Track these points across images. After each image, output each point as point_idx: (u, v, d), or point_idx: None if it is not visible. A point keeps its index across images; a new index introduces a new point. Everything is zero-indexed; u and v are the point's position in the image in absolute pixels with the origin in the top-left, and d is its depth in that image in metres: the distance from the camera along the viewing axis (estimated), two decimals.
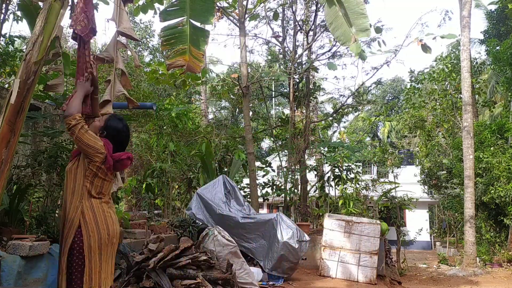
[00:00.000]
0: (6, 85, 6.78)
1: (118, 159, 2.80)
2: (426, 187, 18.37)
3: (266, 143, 23.09)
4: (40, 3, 3.46)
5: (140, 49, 21.85)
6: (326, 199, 11.94)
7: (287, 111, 17.57)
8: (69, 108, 2.77)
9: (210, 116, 21.27)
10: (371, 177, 15.59)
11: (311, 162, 14.89)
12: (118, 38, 3.47)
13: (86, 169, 2.74)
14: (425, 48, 9.32)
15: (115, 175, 3.01)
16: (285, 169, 12.63)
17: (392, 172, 14.38)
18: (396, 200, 12.15)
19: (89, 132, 2.72)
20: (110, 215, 2.78)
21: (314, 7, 13.91)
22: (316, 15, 13.84)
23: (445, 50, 23.24)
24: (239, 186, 11.10)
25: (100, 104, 3.30)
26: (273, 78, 12.42)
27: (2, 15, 5.34)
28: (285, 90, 17.64)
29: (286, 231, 6.60)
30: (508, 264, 11.59)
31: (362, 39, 11.69)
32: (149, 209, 11.27)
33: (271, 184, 12.36)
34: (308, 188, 13.34)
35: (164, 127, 9.92)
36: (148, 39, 22.28)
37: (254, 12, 12.10)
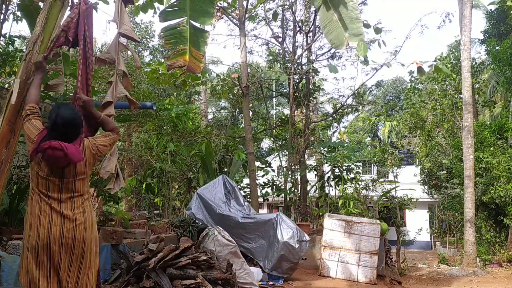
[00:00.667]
0: (6, 85, 6.79)
1: (41, 148, 2.47)
2: (426, 187, 18.37)
3: (266, 143, 23.10)
4: (40, 3, 3.47)
5: (140, 49, 21.86)
6: (326, 199, 11.94)
7: (287, 111, 17.58)
8: (28, 94, 2.79)
9: (210, 116, 21.27)
10: (371, 177, 15.58)
11: (311, 162, 14.90)
12: (119, 40, 3.48)
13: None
14: (421, 71, 9.65)
15: (60, 173, 2.56)
16: (285, 169, 12.63)
17: (392, 172, 14.38)
18: (396, 200, 12.14)
19: (31, 121, 2.62)
20: (48, 217, 2.48)
21: (313, 8, 13.92)
22: (315, 16, 13.84)
23: (445, 50, 23.28)
24: (239, 186, 11.10)
25: (102, 106, 3.32)
26: (273, 78, 12.43)
27: (2, 15, 5.35)
28: (285, 90, 17.64)
29: (286, 231, 6.60)
30: (508, 264, 11.59)
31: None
32: (149, 209, 11.29)
33: (271, 184, 12.36)
34: (308, 188, 13.35)
35: (164, 127, 9.93)
36: (148, 40, 22.29)
37: (254, 13, 12.12)
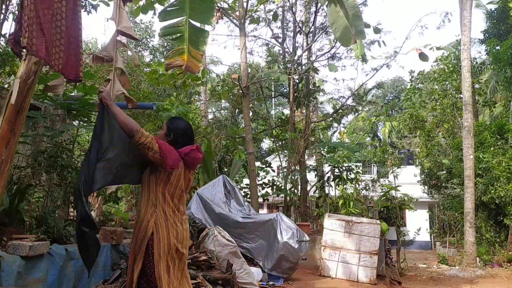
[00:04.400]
0: (6, 85, 6.79)
1: (185, 153, 2.80)
2: (426, 187, 18.36)
3: (266, 143, 23.09)
4: None
5: (140, 49, 21.86)
6: (326, 199, 11.94)
7: (287, 111, 17.58)
8: (128, 128, 2.73)
9: (210, 116, 21.27)
10: (371, 177, 15.58)
11: (311, 162, 14.90)
12: (117, 38, 3.47)
13: (158, 176, 2.76)
14: (423, 57, 9.50)
15: (187, 183, 2.89)
16: (285, 170, 12.63)
17: (392, 172, 14.37)
18: (396, 200, 12.14)
19: (157, 141, 2.74)
20: (181, 228, 2.79)
21: (313, 9, 13.93)
22: (315, 17, 13.86)
23: (445, 51, 23.21)
24: (239, 186, 11.10)
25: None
26: (272, 78, 12.43)
27: (2, 15, 5.35)
28: (285, 90, 17.65)
29: (286, 231, 6.60)
30: (508, 264, 11.58)
31: (363, 41, 11.71)
32: None
33: (271, 184, 12.35)
34: (308, 188, 13.34)
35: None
36: (148, 40, 22.29)
37: (255, 16, 12.12)
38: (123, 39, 3.59)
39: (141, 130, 2.73)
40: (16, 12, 6.43)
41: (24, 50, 2.59)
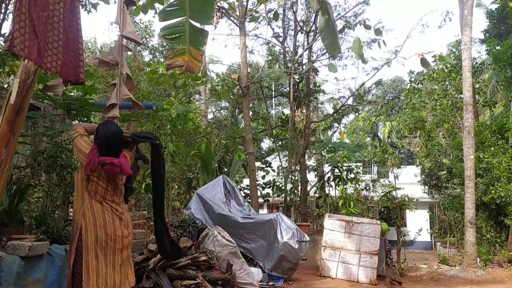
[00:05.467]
0: (6, 85, 6.78)
1: (103, 162, 2.87)
2: (426, 187, 18.35)
3: (266, 143, 23.08)
4: None
5: (140, 49, 21.83)
6: (326, 199, 11.93)
7: (287, 111, 17.57)
8: (75, 125, 3.08)
9: (210, 116, 21.26)
10: (372, 177, 15.57)
11: (311, 162, 14.89)
12: (122, 42, 3.48)
13: (82, 174, 2.95)
14: (425, 63, 9.46)
15: (114, 183, 3.01)
16: (285, 170, 12.62)
17: (393, 172, 14.36)
18: (397, 200, 12.13)
19: (83, 139, 3.00)
20: (111, 218, 2.93)
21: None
22: (316, 16, 13.83)
23: (445, 50, 23.22)
24: (239, 187, 11.08)
25: (106, 108, 3.43)
26: (273, 78, 12.42)
27: (2, 15, 5.34)
28: (285, 90, 17.63)
29: (286, 231, 6.58)
30: (509, 264, 11.57)
31: (362, 40, 11.72)
32: (149, 209, 11.26)
33: (271, 184, 12.33)
34: (308, 188, 13.33)
35: (163, 128, 9.91)
36: (148, 39, 22.26)
37: (254, 14, 12.10)
38: (125, 41, 3.60)
39: (77, 129, 3.06)
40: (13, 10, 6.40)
41: (17, 52, 2.57)
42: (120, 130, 3.10)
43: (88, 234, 2.85)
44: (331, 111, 20.97)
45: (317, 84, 15.36)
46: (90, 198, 2.92)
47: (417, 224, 18.30)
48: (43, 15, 2.66)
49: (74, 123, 3.20)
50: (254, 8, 12.14)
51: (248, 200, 9.86)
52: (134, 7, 6.98)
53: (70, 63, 2.87)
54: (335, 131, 23.59)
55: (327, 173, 12.53)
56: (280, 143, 14.94)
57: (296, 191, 12.70)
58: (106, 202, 2.95)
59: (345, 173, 11.62)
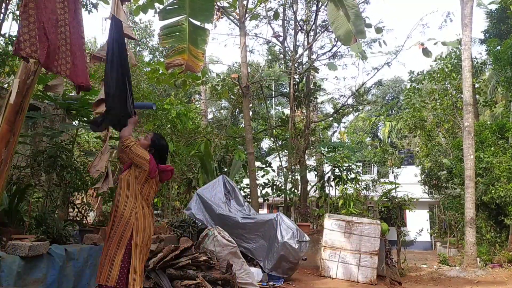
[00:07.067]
0: (6, 85, 6.77)
1: (164, 170, 3.37)
2: (426, 187, 18.34)
3: (266, 143, 23.08)
4: None
5: (140, 49, 21.83)
6: (326, 199, 11.92)
7: (287, 111, 17.56)
8: (123, 132, 3.33)
9: (210, 116, 21.25)
10: (372, 177, 15.56)
11: (311, 162, 14.88)
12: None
13: (138, 177, 3.24)
14: (426, 52, 9.36)
15: (158, 189, 3.44)
16: (285, 169, 12.62)
17: (393, 172, 14.35)
18: (397, 200, 12.12)
19: (140, 147, 3.29)
20: (151, 221, 3.27)
21: (314, 7, 13.91)
22: (316, 15, 13.84)
23: (445, 50, 23.22)
24: (239, 186, 11.07)
25: (95, 103, 3.52)
26: (273, 78, 12.42)
27: (2, 15, 5.34)
28: (285, 90, 17.63)
29: (286, 231, 6.58)
30: (509, 264, 11.56)
31: (362, 40, 11.72)
32: None
33: (271, 184, 12.33)
34: (308, 188, 13.33)
35: (163, 127, 9.90)
36: (147, 39, 22.25)
37: (255, 12, 12.09)
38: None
39: (130, 138, 3.31)
40: (16, 12, 6.41)
41: (25, 56, 2.55)
42: (167, 144, 3.67)
43: (139, 234, 3.11)
44: (331, 111, 20.97)
45: (317, 84, 15.36)
46: (142, 200, 3.21)
47: (417, 224, 18.31)
48: (52, 18, 2.65)
49: (125, 132, 3.37)
50: (254, 9, 12.13)
51: (248, 200, 9.86)
52: (132, 3, 6.98)
53: (79, 67, 2.87)
54: (335, 131, 23.61)
55: (327, 173, 12.52)
56: (280, 143, 14.93)
57: (296, 191, 12.69)
58: (149, 205, 3.28)
59: (345, 173, 11.62)
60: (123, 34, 3.36)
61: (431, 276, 10.97)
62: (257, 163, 12.04)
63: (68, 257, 3.88)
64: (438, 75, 16.34)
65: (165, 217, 9.40)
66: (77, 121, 5.70)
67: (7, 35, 6.19)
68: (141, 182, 3.24)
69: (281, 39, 14.43)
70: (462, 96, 13.12)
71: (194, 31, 3.60)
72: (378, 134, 34.10)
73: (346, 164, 11.67)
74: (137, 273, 3.05)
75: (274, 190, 12.42)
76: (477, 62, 17.70)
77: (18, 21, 6.44)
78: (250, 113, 12.98)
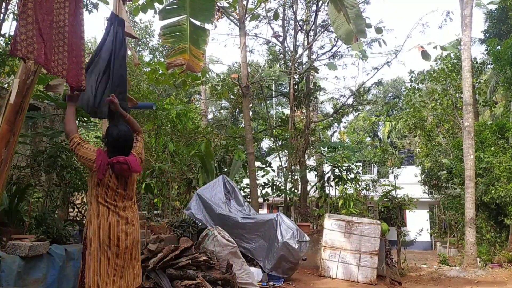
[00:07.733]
0: (6, 85, 6.77)
1: (111, 163, 2.91)
2: (426, 187, 18.33)
3: (266, 143, 23.08)
4: None
5: (140, 49, 21.82)
6: (326, 199, 11.92)
7: (287, 111, 17.56)
8: (65, 127, 3.03)
9: (210, 116, 21.26)
10: (372, 177, 15.56)
11: (311, 162, 14.89)
12: None
13: (92, 181, 2.97)
14: (425, 55, 9.38)
15: (124, 185, 3.03)
16: (285, 169, 12.62)
17: (393, 172, 14.34)
18: (397, 200, 12.12)
19: (84, 146, 2.94)
20: (116, 223, 2.95)
21: (314, 7, 13.91)
22: (316, 15, 13.83)
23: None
24: (239, 186, 11.07)
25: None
26: (273, 78, 12.42)
27: (2, 15, 5.33)
28: (285, 90, 17.63)
29: (286, 231, 6.58)
30: (509, 264, 11.56)
31: (363, 40, 11.72)
32: (149, 209, 11.25)
33: (271, 184, 12.32)
34: (308, 188, 13.33)
35: (163, 127, 9.90)
36: (148, 39, 22.25)
37: (255, 12, 12.09)
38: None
39: (76, 139, 2.96)
40: (16, 12, 6.40)
41: (21, 57, 2.55)
42: (129, 129, 3.13)
43: (92, 238, 2.89)
44: (331, 110, 20.96)
45: (317, 84, 15.36)
46: (98, 203, 2.93)
47: (417, 224, 18.30)
48: (47, 19, 2.64)
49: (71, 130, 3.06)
50: (254, 8, 12.13)
51: (248, 200, 9.86)
52: (132, 2, 6.97)
53: (73, 69, 2.87)
54: (335, 131, 23.59)
55: (327, 173, 12.52)
56: (280, 143, 14.93)
57: (296, 191, 12.69)
58: (114, 206, 2.97)
59: (345, 173, 11.61)
60: (125, 33, 3.37)
61: (431, 276, 10.97)
62: (257, 163, 12.04)
63: (68, 257, 3.88)
64: (438, 75, 16.33)
65: (165, 217, 9.40)
66: (77, 121, 5.69)
67: (7, 35, 6.19)
68: (95, 185, 2.93)
69: (281, 39, 14.43)
70: (462, 96, 13.12)
71: (195, 31, 3.59)
72: (378, 134, 34.10)
73: (346, 164, 11.67)
74: (95, 273, 2.85)
75: (274, 190, 12.42)
76: (477, 62, 17.71)
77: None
78: (250, 113, 12.98)
